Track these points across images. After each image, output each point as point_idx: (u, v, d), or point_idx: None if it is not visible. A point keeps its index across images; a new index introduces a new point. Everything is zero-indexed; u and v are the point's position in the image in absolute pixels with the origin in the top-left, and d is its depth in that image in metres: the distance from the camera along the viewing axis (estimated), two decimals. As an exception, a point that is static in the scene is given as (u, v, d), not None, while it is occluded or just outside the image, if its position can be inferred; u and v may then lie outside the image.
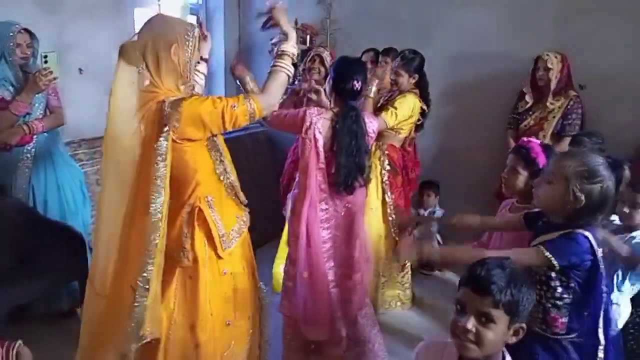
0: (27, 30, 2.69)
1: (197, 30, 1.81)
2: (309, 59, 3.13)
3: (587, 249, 1.58)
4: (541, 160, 1.98)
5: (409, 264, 3.20)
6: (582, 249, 1.58)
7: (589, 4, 3.23)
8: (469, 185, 3.79)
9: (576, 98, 3.06)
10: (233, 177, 1.94)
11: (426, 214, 3.77)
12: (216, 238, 1.85)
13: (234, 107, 1.74)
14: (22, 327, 2.77)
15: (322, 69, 3.03)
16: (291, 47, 1.92)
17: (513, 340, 1.25)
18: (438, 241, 3.72)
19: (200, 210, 1.81)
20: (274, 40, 4.05)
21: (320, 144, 2.26)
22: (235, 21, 4.53)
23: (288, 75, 1.91)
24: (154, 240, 1.67)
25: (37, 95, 2.72)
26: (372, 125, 2.43)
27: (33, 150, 2.79)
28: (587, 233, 1.59)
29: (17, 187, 2.78)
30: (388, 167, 3.03)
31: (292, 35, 1.97)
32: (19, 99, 2.62)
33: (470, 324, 1.20)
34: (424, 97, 3.06)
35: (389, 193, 3.04)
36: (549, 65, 3.03)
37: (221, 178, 1.89)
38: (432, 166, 3.92)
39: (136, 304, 1.67)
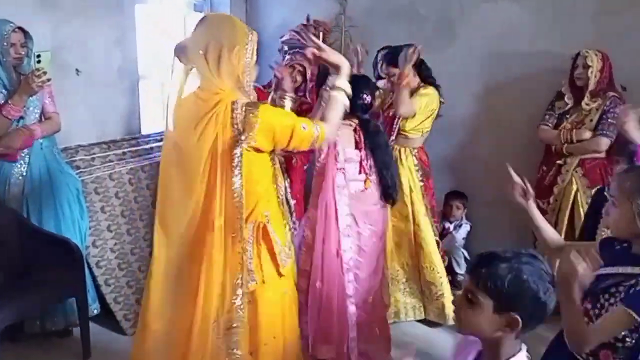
0: (21, 29, 2.68)
1: (255, 34, 1.84)
2: (290, 64, 3.20)
3: None
4: None
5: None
6: None
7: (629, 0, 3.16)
8: (497, 196, 3.59)
9: (615, 98, 2.98)
10: (283, 186, 2.01)
11: (452, 227, 3.72)
12: (278, 255, 1.91)
13: (304, 128, 1.80)
14: (15, 348, 2.79)
15: (299, 79, 3.10)
16: (344, 82, 1.94)
17: (507, 331, 1.24)
18: (464, 256, 3.67)
19: (264, 227, 1.87)
20: (284, 39, 4.00)
21: (340, 147, 2.38)
22: (242, 18, 4.43)
23: (345, 109, 1.99)
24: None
25: (32, 99, 2.71)
26: None
27: (27, 157, 2.79)
28: None
29: (11, 197, 2.78)
30: (420, 172, 3.16)
31: (344, 68, 1.97)
32: (12, 102, 2.62)
33: (459, 299, 1.31)
34: (431, 82, 3.14)
35: (427, 198, 3.17)
36: (589, 63, 2.96)
37: (277, 189, 1.96)
38: (458, 174, 3.87)
39: (234, 326, 1.79)
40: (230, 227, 1.76)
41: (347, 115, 2.34)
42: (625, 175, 1.63)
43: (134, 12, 3.62)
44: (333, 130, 1.92)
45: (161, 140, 3.73)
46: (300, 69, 3.17)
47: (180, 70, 1.80)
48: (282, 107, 2.32)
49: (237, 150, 1.70)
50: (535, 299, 1.20)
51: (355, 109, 2.37)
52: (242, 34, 1.80)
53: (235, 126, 1.69)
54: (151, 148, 3.59)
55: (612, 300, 1.56)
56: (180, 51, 1.79)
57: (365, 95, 2.42)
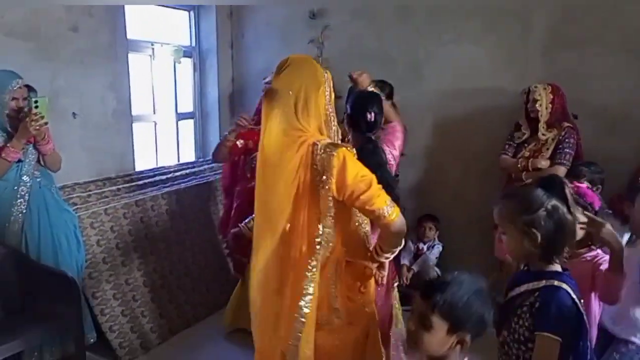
0: (26, 85, 2.75)
1: (329, 73, 1.86)
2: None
3: (572, 305, 1.52)
4: (597, 203, 1.93)
5: None
6: (568, 307, 1.51)
7: (575, 37, 3.37)
8: (466, 218, 3.87)
9: (569, 129, 3.11)
10: (367, 227, 1.94)
11: (425, 247, 3.83)
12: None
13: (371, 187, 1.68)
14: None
15: None
16: None
17: (457, 349, 1.38)
18: (438, 274, 3.69)
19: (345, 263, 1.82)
20: (267, 80, 4.16)
21: None
22: (228, 62, 4.66)
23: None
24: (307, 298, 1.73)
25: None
26: (390, 153, 2.56)
27: (27, 195, 2.80)
28: (564, 286, 1.53)
29: (10, 233, 2.80)
30: None
31: None
32: (11, 145, 2.66)
33: (412, 324, 1.38)
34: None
35: None
36: (536, 97, 3.11)
37: (357, 228, 1.89)
38: (427, 199, 4.00)
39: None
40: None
41: (351, 137, 2.40)
42: (501, 202, 1.64)
43: (127, 60, 3.71)
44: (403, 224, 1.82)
45: (154, 176, 3.76)
46: None
47: (278, 113, 1.75)
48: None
49: (323, 195, 1.67)
50: (481, 320, 1.37)
51: (360, 127, 2.36)
52: (321, 73, 1.80)
53: (315, 166, 1.67)
54: (144, 184, 3.64)
55: (520, 322, 1.57)
56: (275, 94, 1.75)
57: (369, 113, 2.33)
